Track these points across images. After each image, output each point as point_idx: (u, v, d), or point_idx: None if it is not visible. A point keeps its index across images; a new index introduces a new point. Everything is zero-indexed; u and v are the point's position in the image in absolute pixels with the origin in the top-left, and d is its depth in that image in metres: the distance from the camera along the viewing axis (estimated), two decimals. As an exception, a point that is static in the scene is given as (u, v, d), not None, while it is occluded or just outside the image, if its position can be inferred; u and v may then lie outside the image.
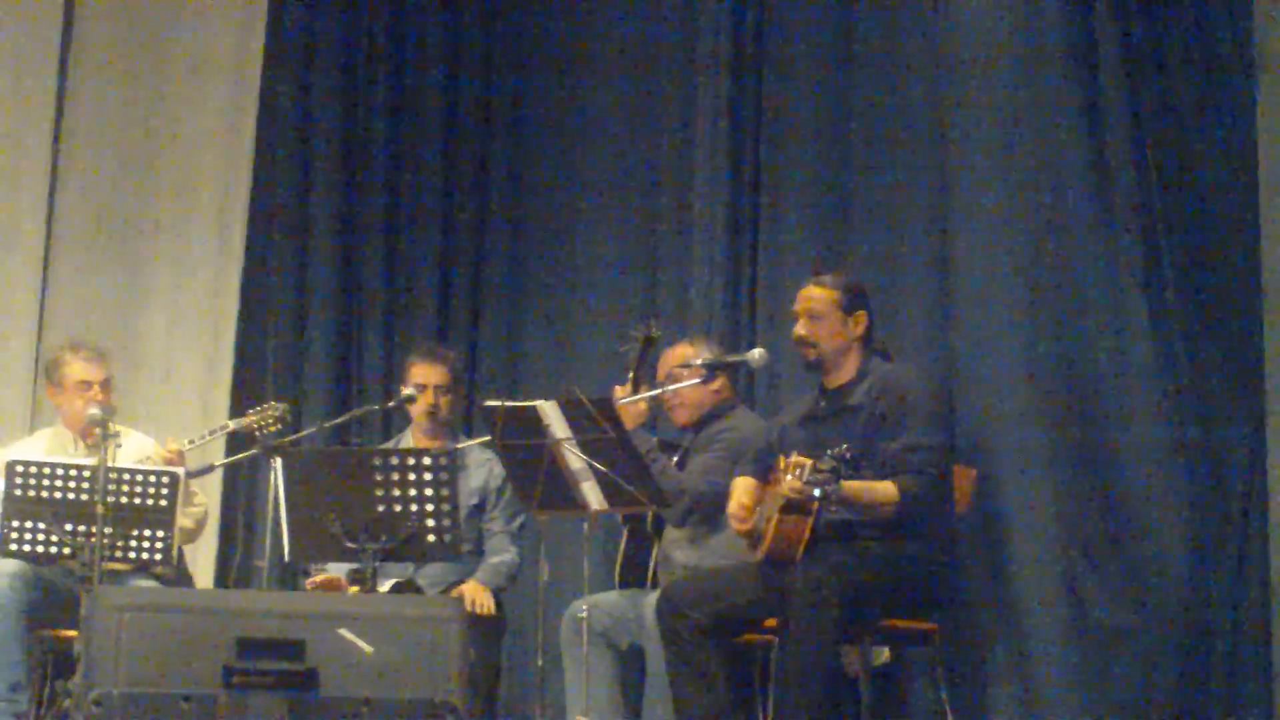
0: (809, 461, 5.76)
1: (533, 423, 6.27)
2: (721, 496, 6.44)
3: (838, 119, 7.58)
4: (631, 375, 6.75)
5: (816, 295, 6.38)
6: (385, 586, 6.93)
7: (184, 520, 6.95)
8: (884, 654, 6.60)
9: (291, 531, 6.41)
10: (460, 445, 7.13)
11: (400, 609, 5.43)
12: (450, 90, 9.06)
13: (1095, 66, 6.75)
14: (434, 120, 9.05)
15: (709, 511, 6.68)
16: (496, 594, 7.08)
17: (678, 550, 6.84)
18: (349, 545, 6.29)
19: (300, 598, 6.35)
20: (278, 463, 6.58)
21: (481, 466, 7.32)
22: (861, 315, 6.37)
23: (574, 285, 8.52)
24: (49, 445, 7.35)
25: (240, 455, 7.31)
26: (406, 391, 7.32)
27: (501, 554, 7.23)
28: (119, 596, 5.41)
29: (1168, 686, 6.33)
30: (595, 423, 6.17)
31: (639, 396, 6.71)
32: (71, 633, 6.43)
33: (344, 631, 5.16)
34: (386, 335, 8.93)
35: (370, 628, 5.20)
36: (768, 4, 7.88)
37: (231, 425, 7.21)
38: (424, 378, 7.34)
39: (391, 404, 7.51)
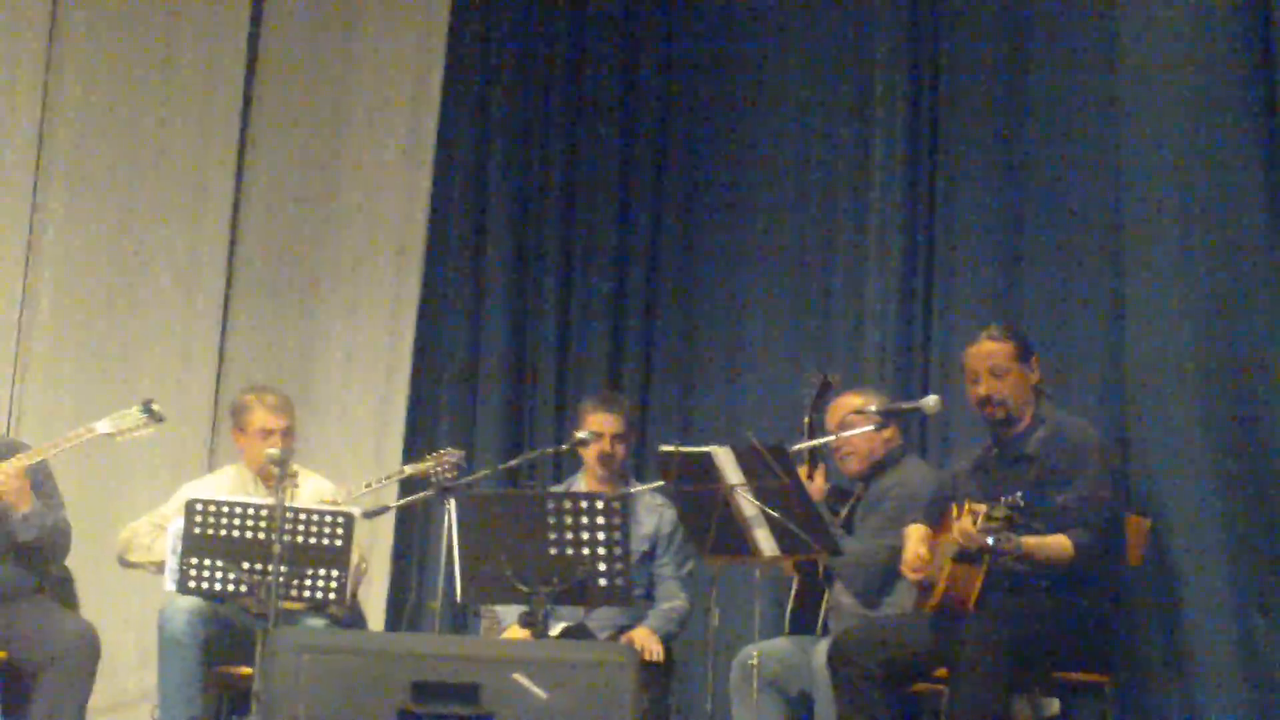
0: (983, 508, 5.77)
1: (706, 468, 6.30)
2: (894, 554, 6.44)
3: (1011, 164, 7.59)
4: (807, 420, 6.77)
5: (995, 350, 6.36)
6: (555, 630, 6.98)
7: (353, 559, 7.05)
8: (1053, 706, 6.54)
9: (463, 572, 6.45)
10: (633, 490, 7.17)
11: (574, 654, 5.48)
12: (625, 133, 9.12)
13: (1274, 101, 6.65)
14: (609, 163, 9.11)
15: (886, 573, 6.67)
16: (666, 640, 7.11)
17: (849, 598, 6.83)
18: (520, 587, 6.32)
19: (475, 642, 6.42)
20: (451, 504, 6.64)
21: (652, 512, 7.35)
22: (1035, 362, 6.37)
23: (746, 332, 8.54)
24: (232, 483, 7.47)
25: (414, 497, 7.37)
26: (580, 435, 7.35)
27: (672, 600, 7.27)
28: (297, 636, 5.51)
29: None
30: (769, 470, 6.19)
31: (812, 442, 6.72)
32: (247, 670, 6.55)
33: (519, 676, 5.19)
34: (559, 380, 9.01)
35: (544, 672, 5.24)
36: (941, 50, 7.89)
37: (408, 470, 7.27)
38: (600, 425, 7.38)
39: (565, 447, 7.53)
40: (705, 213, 8.88)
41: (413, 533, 8.81)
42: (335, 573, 6.72)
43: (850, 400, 7.03)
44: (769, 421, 7.55)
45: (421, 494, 7.21)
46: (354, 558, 7.21)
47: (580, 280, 9.11)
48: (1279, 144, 6.66)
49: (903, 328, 7.81)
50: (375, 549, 8.43)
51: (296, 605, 6.79)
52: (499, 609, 7.17)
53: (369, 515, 7.18)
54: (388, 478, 7.46)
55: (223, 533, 6.66)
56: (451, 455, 7.11)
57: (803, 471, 6.56)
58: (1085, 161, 7.30)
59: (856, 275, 8.06)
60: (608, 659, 5.37)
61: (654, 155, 9.07)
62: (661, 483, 6.77)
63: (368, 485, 7.28)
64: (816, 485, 6.76)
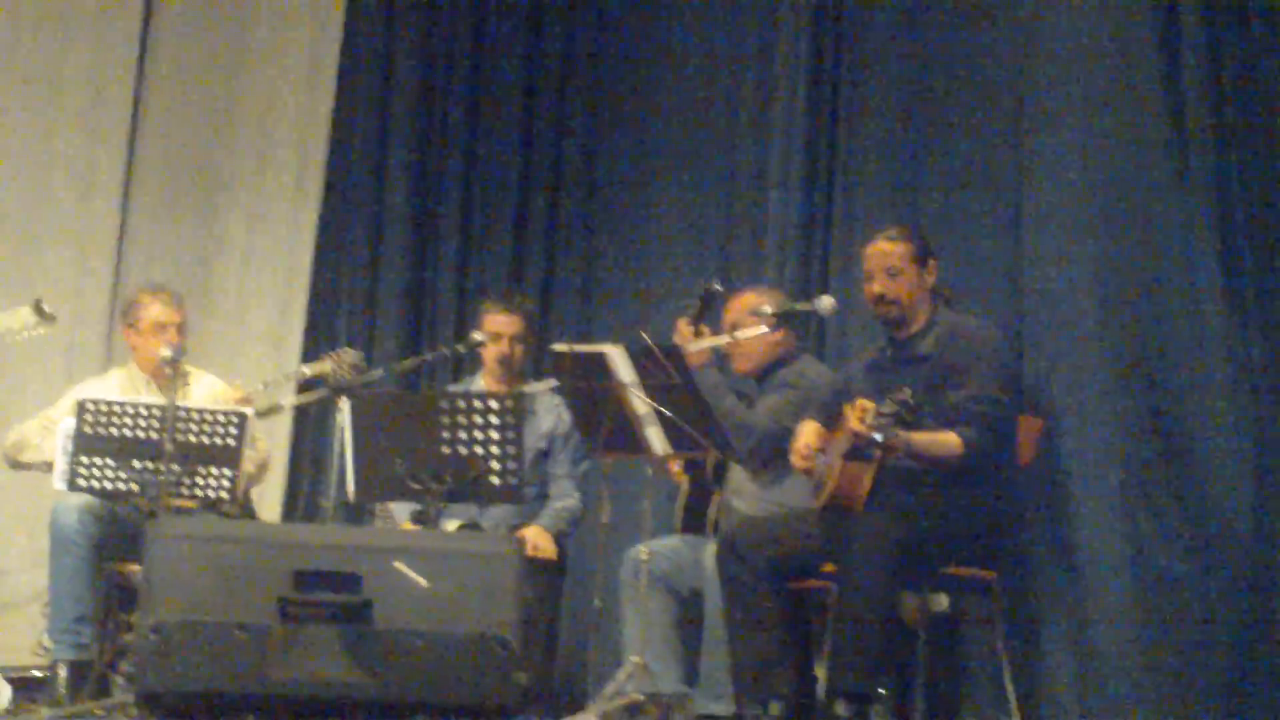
0: (873, 405, 5.77)
1: (599, 367, 6.33)
2: (787, 438, 6.45)
3: (916, 74, 7.55)
4: (692, 329, 6.72)
5: (891, 250, 6.35)
6: (450, 529, 6.99)
7: (245, 464, 7.02)
8: (942, 602, 6.57)
9: (357, 471, 6.46)
10: (527, 389, 7.16)
11: (457, 544, 5.49)
12: (530, 39, 9.08)
13: (1176, 24, 6.68)
14: (513, 69, 9.08)
15: (773, 454, 6.69)
16: (558, 539, 7.13)
17: (739, 499, 6.86)
18: (413, 486, 6.33)
19: (357, 531, 6.42)
20: (345, 404, 6.63)
21: (550, 411, 7.36)
22: (932, 265, 6.36)
23: (650, 235, 8.53)
24: (121, 385, 7.42)
25: (308, 397, 7.35)
26: (478, 337, 7.35)
27: (565, 499, 7.29)
28: (179, 527, 5.46)
29: (1226, 639, 6.29)
30: (662, 368, 6.20)
31: (704, 343, 6.71)
32: (137, 567, 6.53)
33: (400, 565, 5.20)
34: (459, 282, 8.98)
35: (426, 562, 5.24)
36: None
37: (306, 371, 7.25)
38: (498, 325, 7.38)
39: (462, 349, 7.53)
40: (610, 121, 8.86)
41: (307, 433, 8.78)
42: (227, 471, 6.73)
43: (748, 298, 7.03)
44: (670, 324, 7.49)
45: (316, 394, 7.19)
46: (257, 457, 7.21)
47: (481, 183, 9.07)
48: (1181, 55, 6.66)
49: (803, 238, 7.78)
50: (272, 450, 8.37)
51: (188, 504, 6.77)
52: (393, 507, 7.15)
53: (262, 415, 7.13)
54: (285, 377, 7.44)
55: (114, 431, 6.64)
56: (349, 355, 7.08)
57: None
58: (988, 73, 7.29)
59: (759, 186, 8.03)
60: (490, 550, 5.39)
61: (560, 64, 9.05)
62: (555, 382, 6.76)
63: (264, 384, 7.25)
64: (702, 355, 6.71)
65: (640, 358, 6.23)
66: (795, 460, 6.26)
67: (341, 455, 6.59)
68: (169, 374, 6.80)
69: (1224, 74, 6.57)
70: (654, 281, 8.33)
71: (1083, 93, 6.86)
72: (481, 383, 7.47)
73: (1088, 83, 6.86)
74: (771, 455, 6.72)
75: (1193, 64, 6.61)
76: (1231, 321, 6.44)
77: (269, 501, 8.51)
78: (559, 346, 6.44)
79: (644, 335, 6.27)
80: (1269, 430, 6.36)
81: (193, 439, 6.68)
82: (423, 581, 5.18)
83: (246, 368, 8.61)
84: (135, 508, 6.74)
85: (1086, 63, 6.88)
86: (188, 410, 6.70)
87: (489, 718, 5.19)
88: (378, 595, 5.18)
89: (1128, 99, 6.75)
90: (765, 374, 6.98)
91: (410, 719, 5.16)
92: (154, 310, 7.34)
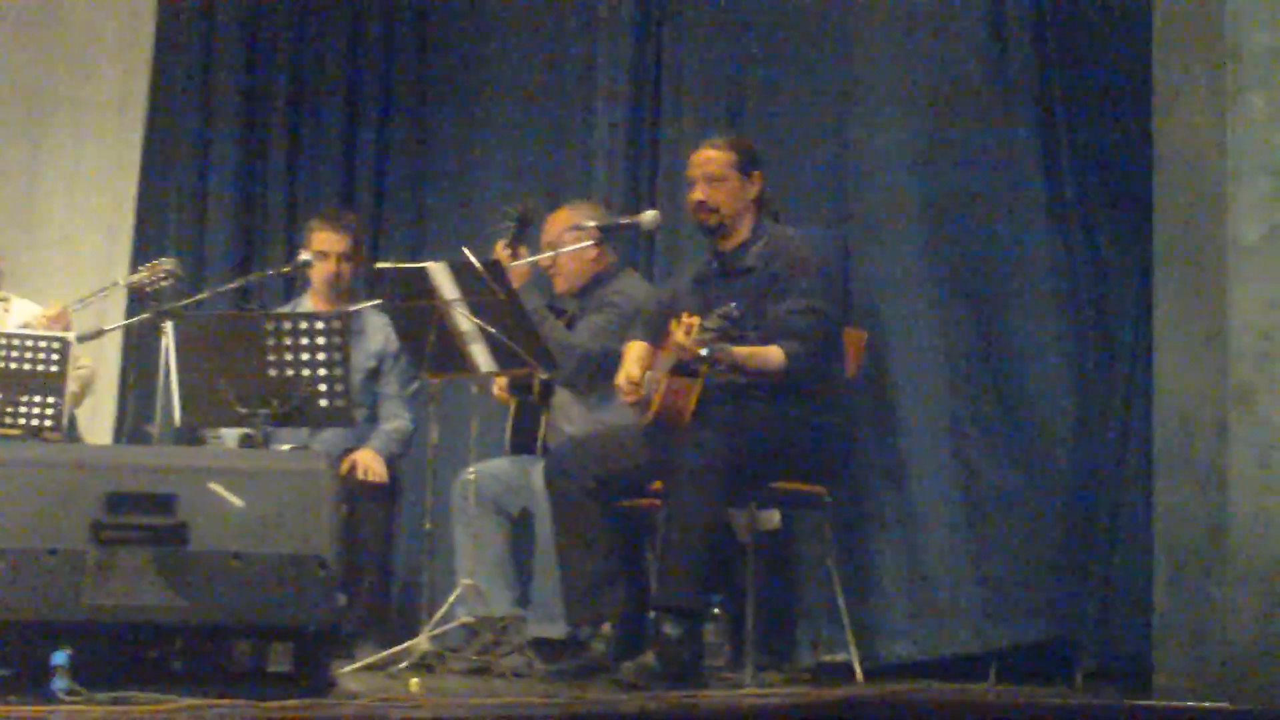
0: (697, 320, 5.75)
1: (423, 284, 6.28)
2: (612, 358, 6.44)
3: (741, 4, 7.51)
4: (509, 253, 6.65)
5: (714, 157, 6.31)
6: (280, 453, 6.91)
7: (69, 383, 6.90)
8: (774, 518, 6.59)
9: (183, 396, 6.35)
10: (352, 308, 7.07)
11: (271, 463, 5.39)
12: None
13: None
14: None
15: (597, 374, 6.66)
16: (389, 461, 7.06)
17: (565, 420, 6.84)
18: (240, 410, 6.23)
19: (170, 451, 6.29)
20: (169, 327, 6.53)
21: (379, 330, 7.27)
22: (757, 175, 6.33)
23: (479, 153, 8.42)
24: (-69, 311, 7.28)
25: (131, 320, 7.23)
26: (304, 256, 7.25)
27: (395, 420, 7.23)
28: (-13, 449, 5.36)
29: (1051, 550, 6.37)
30: (484, 285, 6.16)
31: (524, 260, 6.65)
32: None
33: (215, 486, 5.12)
34: (289, 201, 8.81)
35: (241, 482, 5.16)
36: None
37: (121, 282, 7.13)
38: (325, 244, 7.29)
39: (288, 269, 7.45)
40: (439, 36, 8.74)
41: (136, 356, 8.61)
42: (51, 399, 6.61)
43: (564, 215, 6.99)
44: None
45: (140, 316, 7.06)
46: (81, 375, 7.09)
47: (311, 101, 8.93)
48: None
49: (631, 154, 7.73)
50: (101, 374, 8.25)
51: (11, 432, 6.63)
52: (222, 432, 7.05)
53: (84, 339, 7.00)
54: (99, 292, 7.28)
55: (-71, 361, 6.49)
56: (164, 264, 6.96)
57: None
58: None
59: (586, 104, 7.98)
60: (304, 468, 5.30)
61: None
62: (379, 300, 6.69)
63: (80, 302, 7.13)
64: (521, 270, 6.64)
65: (462, 273, 6.16)
66: (619, 394, 6.24)
67: (167, 379, 6.49)
68: (-17, 300, 6.66)
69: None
70: (483, 199, 8.23)
71: (907, 11, 6.85)
72: (308, 303, 7.38)
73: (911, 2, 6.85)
74: (596, 376, 6.68)
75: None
76: (1054, 237, 6.50)
77: (99, 426, 8.38)
78: (382, 264, 6.40)
79: (465, 251, 6.20)
80: (1090, 343, 6.43)
81: (13, 366, 6.55)
82: (238, 502, 5.10)
83: (73, 293, 8.41)
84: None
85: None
86: (7, 336, 6.58)
87: (309, 638, 5.11)
88: (193, 517, 5.08)
89: (950, 16, 6.75)
90: (586, 291, 6.95)
91: (229, 641, 5.08)
92: None
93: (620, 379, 6.25)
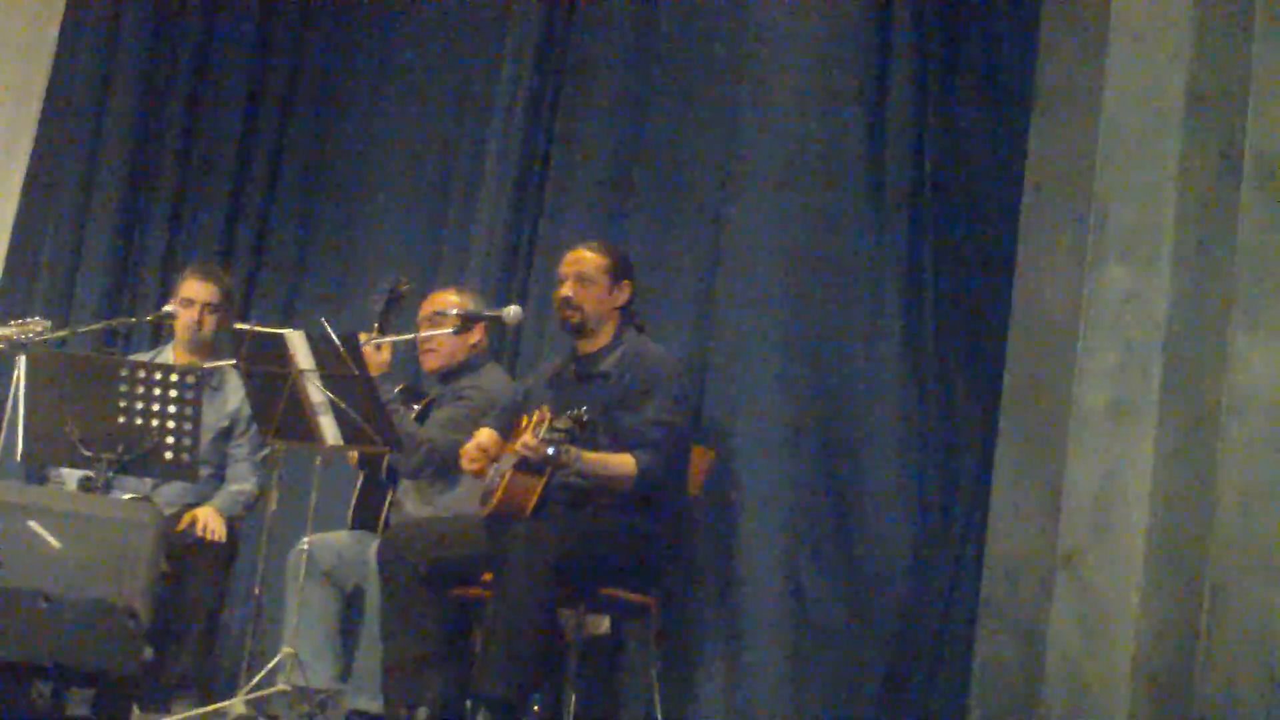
0: (548, 419, 5.78)
1: (278, 350, 6.28)
2: (458, 451, 6.43)
3: (631, 99, 7.61)
4: (377, 325, 6.67)
5: (587, 258, 6.38)
6: (120, 500, 6.87)
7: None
8: (603, 624, 6.61)
9: (27, 432, 6.29)
10: (209, 365, 7.04)
11: (94, 509, 5.38)
12: (262, 26, 8.93)
13: (886, 78, 6.88)
14: (239, 49, 8.90)
15: (444, 467, 6.66)
16: (231, 522, 7.01)
17: (410, 501, 6.84)
18: (84, 453, 6.19)
19: (-5, 486, 6.25)
20: (21, 360, 6.48)
21: (237, 392, 7.19)
22: (626, 284, 6.38)
23: (363, 228, 8.43)
24: None
25: (-18, 349, 7.17)
26: (169, 307, 7.23)
27: (241, 482, 7.16)
28: None
29: (871, 686, 6.46)
30: (339, 358, 6.17)
31: (389, 338, 6.68)
32: None
33: (33, 524, 5.09)
34: (168, 254, 8.76)
35: (62, 523, 5.14)
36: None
37: None
38: (193, 293, 7.24)
39: (150, 318, 7.45)
40: (334, 107, 8.75)
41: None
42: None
43: (445, 297, 7.04)
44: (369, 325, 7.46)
45: (-7, 347, 7.01)
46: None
47: (200, 156, 8.89)
48: (888, 106, 6.88)
49: (509, 243, 7.78)
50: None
51: None
52: (64, 473, 7.01)
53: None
54: None
55: None
56: (37, 325, 6.90)
57: (370, 348, 6.54)
58: (701, 100, 7.40)
59: (473, 189, 8.01)
60: (127, 517, 5.30)
61: (290, 41, 8.89)
62: (233, 361, 6.69)
63: None
64: (382, 358, 6.67)
65: (319, 344, 6.18)
66: (464, 463, 6.24)
67: (14, 412, 6.44)
68: None
69: (926, 140, 6.81)
70: (362, 270, 8.24)
71: (786, 150, 7.00)
72: (170, 355, 7.34)
73: (793, 134, 7.01)
74: (441, 468, 6.69)
75: (898, 127, 6.84)
76: (909, 380, 6.63)
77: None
78: (240, 325, 6.40)
79: (323, 323, 6.22)
80: (933, 489, 6.53)
81: None
82: (55, 542, 5.08)
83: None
84: None
85: (794, 115, 7.04)
86: None
87: (109, 685, 5.08)
88: (7, 552, 5.06)
89: (829, 160, 6.94)
90: (450, 376, 6.96)
91: (30, 680, 5.04)
92: None
93: (468, 446, 6.23)
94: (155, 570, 5.29)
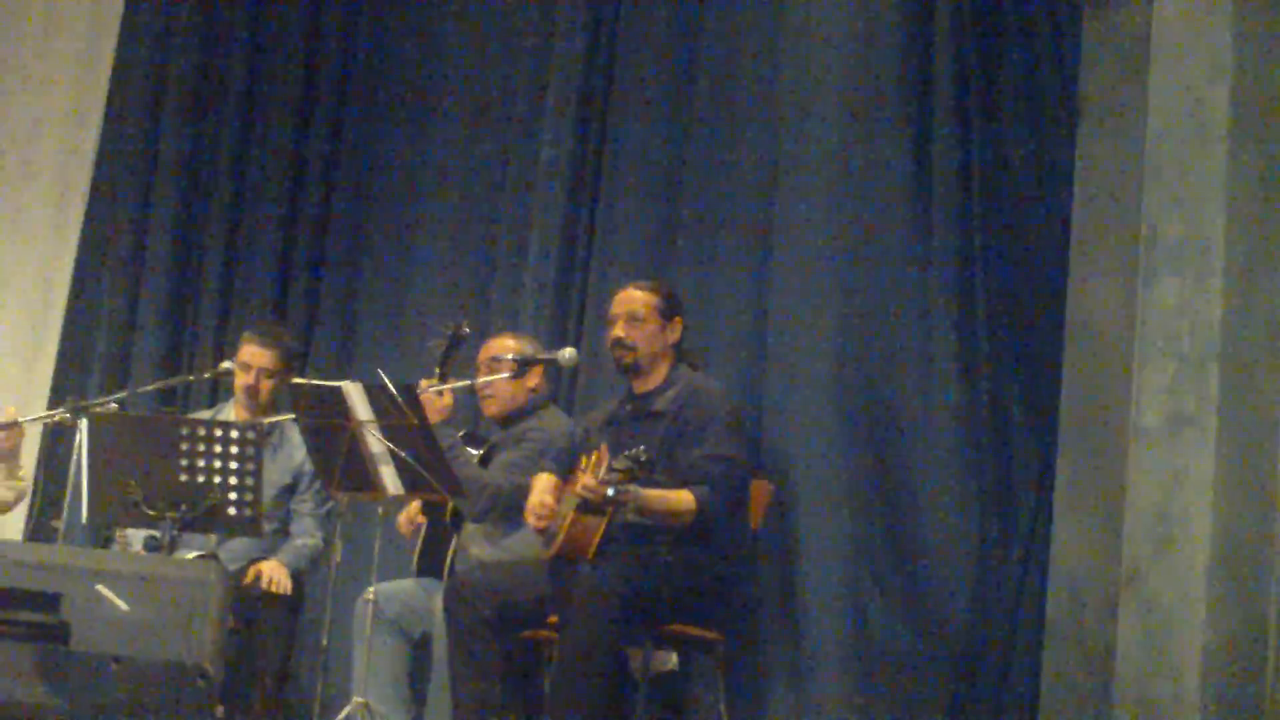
0: (606, 460, 5.80)
1: (337, 403, 6.31)
2: (523, 493, 6.43)
3: (675, 139, 7.62)
4: (438, 370, 6.74)
5: (637, 298, 6.40)
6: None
7: (3, 491, 6.92)
8: (671, 660, 6.61)
9: (91, 493, 6.34)
10: (267, 420, 7.09)
11: (160, 569, 5.42)
12: (305, 79, 8.97)
13: (929, 107, 6.88)
14: (286, 107, 8.96)
15: (509, 509, 6.68)
16: (296, 575, 7.04)
17: (474, 545, 6.85)
18: (148, 512, 6.24)
19: (59, 550, 6.29)
20: (83, 423, 6.53)
21: (300, 448, 7.22)
22: (678, 321, 6.40)
23: (412, 278, 8.46)
24: None
25: (46, 414, 7.23)
26: (225, 364, 7.29)
27: (306, 537, 7.18)
28: (-123, 537, 5.36)
29: (938, 712, 6.43)
30: (398, 408, 6.21)
31: (447, 386, 6.72)
32: None
33: (101, 587, 5.13)
34: (221, 316, 8.82)
35: (128, 586, 5.17)
36: (621, 16, 7.89)
37: (57, 416, 7.14)
38: (251, 358, 7.27)
39: (207, 375, 7.49)
40: (380, 160, 8.78)
41: (50, 454, 8.61)
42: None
43: (503, 342, 7.07)
44: (427, 365, 7.48)
45: (55, 412, 7.07)
46: (18, 486, 7.09)
47: (250, 218, 8.93)
48: (931, 134, 6.87)
49: (560, 286, 7.80)
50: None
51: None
52: (129, 533, 7.06)
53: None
54: (34, 420, 7.29)
55: None
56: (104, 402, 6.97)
57: (432, 393, 6.57)
58: (743, 146, 7.39)
59: (522, 234, 8.03)
60: (193, 576, 5.33)
61: (334, 92, 8.94)
62: (293, 415, 6.73)
63: (34, 418, 7.17)
64: (444, 402, 6.74)
65: (377, 395, 6.22)
66: (530, 520, 6.26)
67: (78, 476, 6.49)
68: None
69: (971, 157, 6.76)
70: (414, 323, 8.27)
71: (832, 168, 7.00)
72: (230, 413, 7.39)
73: (837, 157, 7.00)
74: (506, 512, 6.71)
75: (943, 150, 6.80)
76: (963, 399, 6.60)
77: (12, 525, 8.34)
78: (298, 380, 6.44)
79: (381, 374, 6.25)
80: (991, 508, 6.51)
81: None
82: (123, 605, 5.12)
83: (-1, 382, 8.53)
84: None
85: (838, 140, 7.03)
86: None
87: (185, 748, 5.12)
88: (77, 617, 5.10)
89: (876, 175, 6.92)
90: (511, 420, 6.99)
91: (105, 745, 5.09)
92: None
93: (533, 501, 6.26)
94: (223, 628, 5.31)
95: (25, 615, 5.08)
